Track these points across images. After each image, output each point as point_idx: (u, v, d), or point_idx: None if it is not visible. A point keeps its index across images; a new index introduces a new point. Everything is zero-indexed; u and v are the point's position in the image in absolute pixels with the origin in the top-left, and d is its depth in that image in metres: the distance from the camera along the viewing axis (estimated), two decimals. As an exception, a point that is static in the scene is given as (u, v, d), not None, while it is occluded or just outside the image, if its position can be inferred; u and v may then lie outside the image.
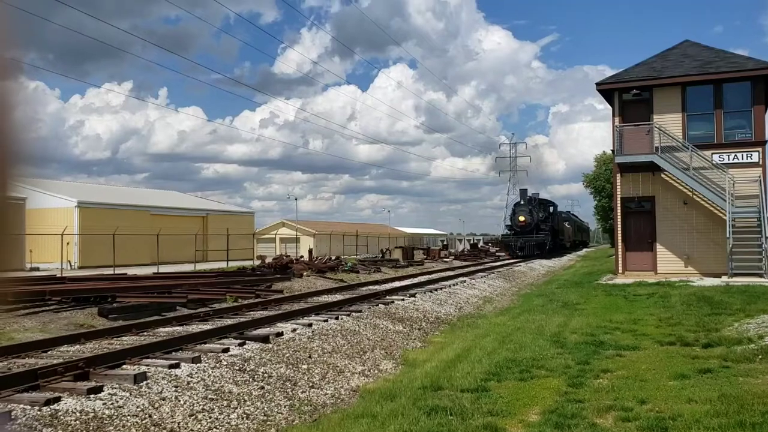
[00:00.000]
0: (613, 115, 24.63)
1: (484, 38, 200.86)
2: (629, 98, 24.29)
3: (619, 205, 24.86)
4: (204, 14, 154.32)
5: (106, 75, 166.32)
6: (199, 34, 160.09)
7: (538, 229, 46.11)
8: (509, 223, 48.03)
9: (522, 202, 47.56)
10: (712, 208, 22.96)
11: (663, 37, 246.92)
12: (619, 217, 24.88)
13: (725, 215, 21.75)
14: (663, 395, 6.84)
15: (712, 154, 22.89)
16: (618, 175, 24.72)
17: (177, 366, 7.50)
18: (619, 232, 24.75)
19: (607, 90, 24.91)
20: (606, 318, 12.94)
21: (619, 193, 24.81)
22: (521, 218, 45.84)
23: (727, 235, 21.43)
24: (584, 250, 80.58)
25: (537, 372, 8.15)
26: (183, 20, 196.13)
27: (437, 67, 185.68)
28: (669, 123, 23.48)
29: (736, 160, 22.82)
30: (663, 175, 23.66)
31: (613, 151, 24.90)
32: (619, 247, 24.79)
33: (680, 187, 23.46)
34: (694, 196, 23.24)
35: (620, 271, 24.42)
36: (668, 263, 23.65)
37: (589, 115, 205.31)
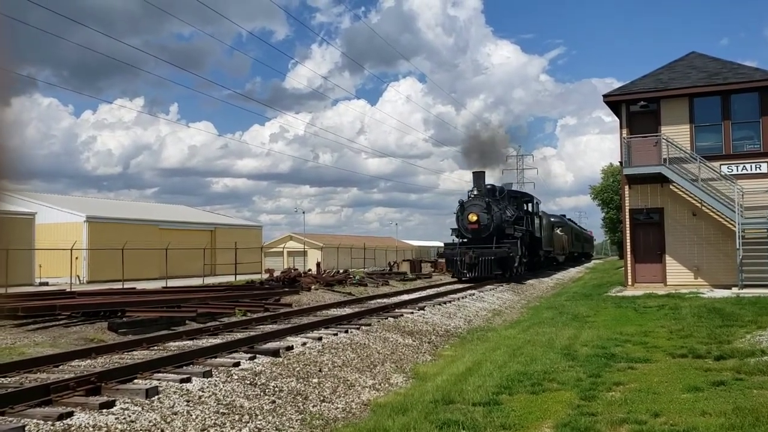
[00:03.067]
0: (621, 127, 24.62)
1: (493, 52, 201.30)
2: (637, 110, 24.27)
3: (627, 216, 24.79)
4: (216, 32, 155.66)
5: (119, 91, 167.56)
6: (211, 51, 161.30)
7: (502, 235, 29.95)
8: (456, 226, 31.12)
9: (476, 193, 31.18)
10: (721, 220, 22.86)
11: (669, 50, 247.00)
12: (627, 228, 24.81)
13: (735, 226, 21.65)
14: (677, 408, 6.80)
15: (721, 165, 22.83)
16: (626, 187, 24.67)
17: (188, 380, 7.50)
18: (628, 243, 24.66)
19: (614, 102, 24.92)
20: (616, 330, 12.87)
21: (627, 204, 24.75)
22: (472, 217, 29.64)
23: (737, 247, 21.33)
24: (593, 262, 79.66)
25: (549, 385, 8.12)
26: (195, 37, 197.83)
27: (446, 80, 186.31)
28: (677, 134, 23.46)
29: (744, 171, 22.75)
30: (671, 187, 23.60)
31: (621, 162, 24.87)
32: (628, 259, 24.70)
33: (689, 199, 23.39)
34: (703, 208, 23.17)
35: (629, 283, 24.32)
36: (678, 275, 23.53)
37: (597, 127, 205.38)
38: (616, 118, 25.31)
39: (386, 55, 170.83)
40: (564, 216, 62.17)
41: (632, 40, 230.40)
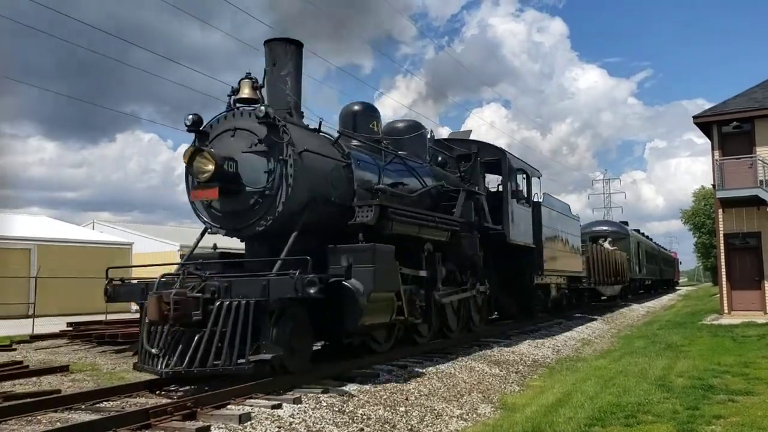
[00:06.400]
0: (713, 149, 23.77)
1: (579, 77, 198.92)
2: (729, 131, 23.40)
3: (722, 241, 23.79)
4: (307, 67, 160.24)
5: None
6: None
7: (342, 229, 9.78)
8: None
9: (247, 95, 9.72)
10: (825, 244, 21.65)
11: (761, 68, 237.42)
12: (722, 254, 23.79)
13: (841, 251, 20.48)
14: (783, 444, 6.45)
15: (823, 186, 21.68)
16: (720, 211, 23.73)
17: (279, 407, 7.65)
18: (723, 269, 23.65)
19: (705, 123, 24.10)
20: (714, 361, 12.33)
21: (721, 229, 23.78)
22: (201, 165, 8.63)
23: None
24: (684, 289, 76.06)
25: (643, 417, 7.85)
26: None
27: (531, 105, 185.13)
28: (773, 155, 22.45)
29: None
30: (769, 210, 22.55)
31: (713, 185, 23.98)
32: (724, 285, 23.66)
33: (789, 222, 22.27)
34: (805, 231, 22.01)
35: (725, 311, 23.27)
36: (779, 302, 22.37)
37: (688, 149, 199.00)
38: (708, 140, 24.46)
39: (469, 82, 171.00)
40: (626, 224, 44.75)
41: (722, 60, 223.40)
